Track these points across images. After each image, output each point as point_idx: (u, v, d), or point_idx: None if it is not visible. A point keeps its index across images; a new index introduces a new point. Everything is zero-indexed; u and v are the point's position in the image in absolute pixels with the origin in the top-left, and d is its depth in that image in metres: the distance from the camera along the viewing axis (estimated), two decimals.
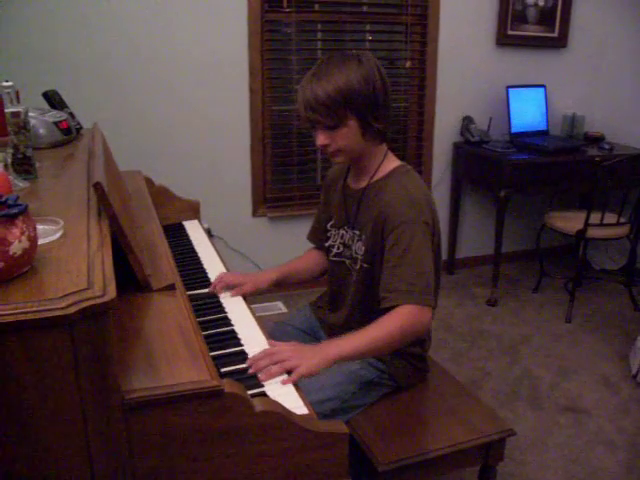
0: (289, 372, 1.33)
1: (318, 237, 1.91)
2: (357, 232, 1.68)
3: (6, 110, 1.53)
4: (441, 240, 1.68)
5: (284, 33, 3.43)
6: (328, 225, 1.81)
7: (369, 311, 1.63)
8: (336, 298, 1.81)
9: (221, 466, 1.06)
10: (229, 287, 1.72)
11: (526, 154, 3.54)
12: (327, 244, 1.81)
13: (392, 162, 1.67)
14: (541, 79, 3.90)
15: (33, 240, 0.96)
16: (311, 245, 1.97)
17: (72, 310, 0.86)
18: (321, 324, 1.88)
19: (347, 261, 1.73)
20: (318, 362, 1.39)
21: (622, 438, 2.40)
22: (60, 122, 2.00)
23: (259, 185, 3.52)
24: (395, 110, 3.74)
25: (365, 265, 1.65)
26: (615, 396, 2.69)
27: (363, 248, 1.65)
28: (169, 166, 3.25)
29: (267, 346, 1.43)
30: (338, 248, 1.76)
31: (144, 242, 1.57)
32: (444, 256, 4.03)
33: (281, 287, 1.91)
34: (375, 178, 1.65)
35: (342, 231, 1.75)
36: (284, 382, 1.30)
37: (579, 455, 2.30)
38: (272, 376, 1.31)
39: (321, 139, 1.56)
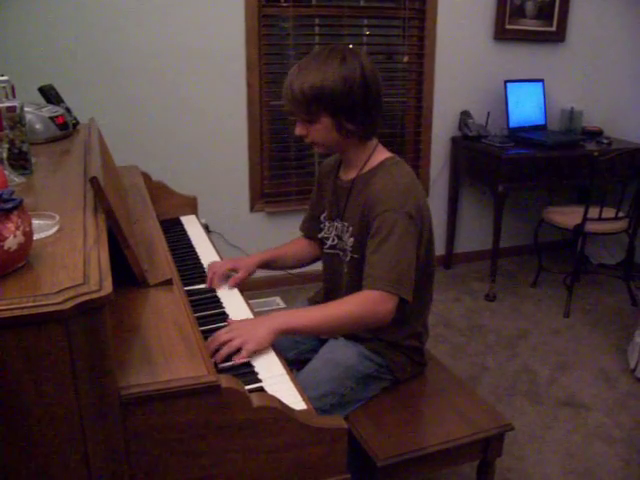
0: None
1: (311, 228, 1.91)
2: (346, 224, 1.67)
3: (2, 105, 1.52)
4: (433, 233, 1.67)
5: (282, 28, 3.41)
6: (321, 217, 1.81)
7: None
8: (331, 291, 1.80)
9: (219, 461, 1.05)
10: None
11: (524, 149, 3.53)
12: (321, 235, 1.81)
13: (382, 154, 1.66)
14: (539, 74, 3.89)
15: (28, 235, 0.96)
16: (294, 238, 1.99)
17: (68, 305, 0.85)
18: None
19: (340, 253, 1.73)
20: (263, 334, 1.38)
21: (620, 432, 2.40)
22: (56, 117, 1.99)
23: (256, 180, 3.51)
24: (391, 105, 3.73)
25: (355, 256, 1.65)
26: (613, 391, 2.69)
27: (352, 239, 1.65)
28: (166, 161, 3.24)
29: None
30: (333, 240, 1.76)
31: (141, 237, 1.56)
32: (442, 251, 4.04)
33: (267, 269, 1.94)
34: (364, 170, 1.65)
35: (336, 223, 1.74)
36: (235, 360, 1.31)
37: (577, 450, 2.30)
38: (222, 357, 1.31)
39: (298, 129, 1.61)
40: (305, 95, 1.50)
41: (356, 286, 1.61)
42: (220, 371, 1.24)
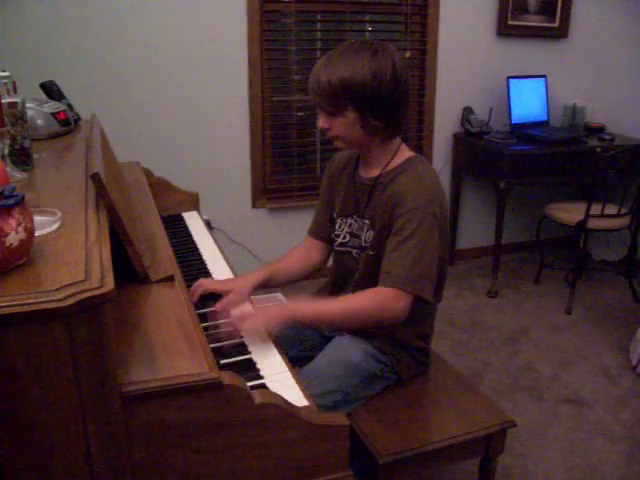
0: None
1: (322, 229, 1.84)
2: (367, 221, 1.64)
3: (3, 101, 1.51)
4: (448, 232, 1.66)
5: (283, 24, 3.41)
6: (334, 214, 1.79)
7: None
8: (339, 287, 1.78)
9: (221, 458, 1.05)
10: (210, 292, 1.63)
11: (526, 145, 3.52)
12: (332, 234, 1.79)
13: (406, 153, 1.64)
14: (542, 69, 3.88)
15: (30, 231, 0.95)
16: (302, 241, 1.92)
17: (69, 302, 0.85)
18: None
19: (354, 251, 1.69)
20: (270, 316, 1.44)
21: (622, 429, 2.40)
22: (58, 113, 1.98)
23: (259, 176, 3.50)
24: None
25: (371, 252, 1.63)
26: (615, 387, 2.69)
27: (372, 236, 1.62)
28: (168, 157, 3.24)
29: (266, 337, 1.43)
30: (344, 237, 1.73)
31: (143, 233, 1.56)
32: None
33: (265, 289, 1.79)
34: (388, 168, 1.62)
35: (350, 220, 1.71)
36: (233, 332, 1.40)
37: (579, 446, 2.30)
38: (228, 325, 1.42)
39: (321, 122, 1.58)
40: (332, 87, 1.47)
41: (367, 283, 1.59)
42: (222, 368, 1.24)
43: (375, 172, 1.64)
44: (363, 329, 1.67)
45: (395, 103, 1.52)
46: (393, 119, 1.54)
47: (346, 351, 1.66)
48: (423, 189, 1.52)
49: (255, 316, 1.40)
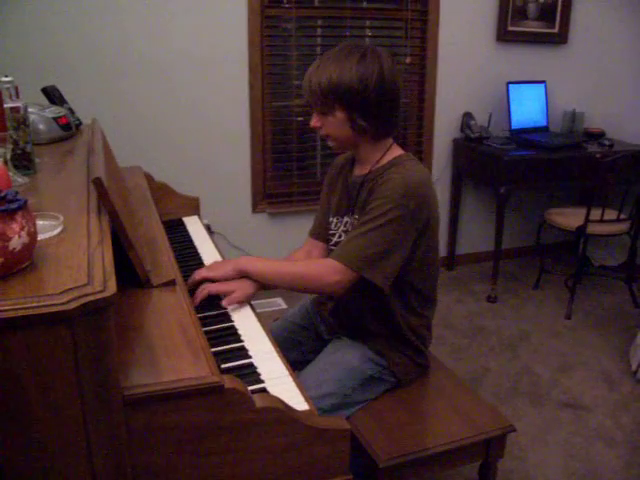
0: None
1: (323, 230, 1.87)
2: (357, 217, 1.67)
3: (5, 105, 1.52)
4: (438, 234, 1.67)
5: (284, 29, 3.42)
6: (330, 214, 1.80)
7: (364, 295, 1.64)
8: None
9: (221, 462, 1.06)
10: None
11: (526, 150, 3.53)
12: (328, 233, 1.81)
13: (396, 151, 1.66)
14: (541, 75, 3.89)
15: (33, 235, 0.96)
16: (303, 244, 1.94)
17: (72, 306, 0.85)
18: (321, 319, 1.88)
19: None
20: (225, 270, 1.61)
21: (622, 434, 2.40)
22: (59, 118, 1.99)
23: (259, 181, 3.51)
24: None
25: None
26: (615, 392, 2.69)
27: None
28: (169, 162, 3.24)
29: (267, 341, 1.44)
30: (339, 237, 1.75)
31: (144, 238, 1.56)
32: (444, 252, 4.04)
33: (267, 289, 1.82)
34: (378, 165, 1.64)
35: (346, 218, 1.73)
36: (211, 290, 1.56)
37: (579, 451, 2.30)
38: (193, 280, 1.62)
39: (314, 121, 1.63)
40: (322, 88, 1.53)
41: (362, 282, 1.59)
42: (223, 372, 1.24)
43: (366, 170, 1.67)
44: (360, 329, 1.68)
45: (382, 105, 1.56)
46: (381, 120, 1.59)
47: (343, 354, 1.66)
48: (401, 183, 1.53)
49: (211, 271, 1.61)
